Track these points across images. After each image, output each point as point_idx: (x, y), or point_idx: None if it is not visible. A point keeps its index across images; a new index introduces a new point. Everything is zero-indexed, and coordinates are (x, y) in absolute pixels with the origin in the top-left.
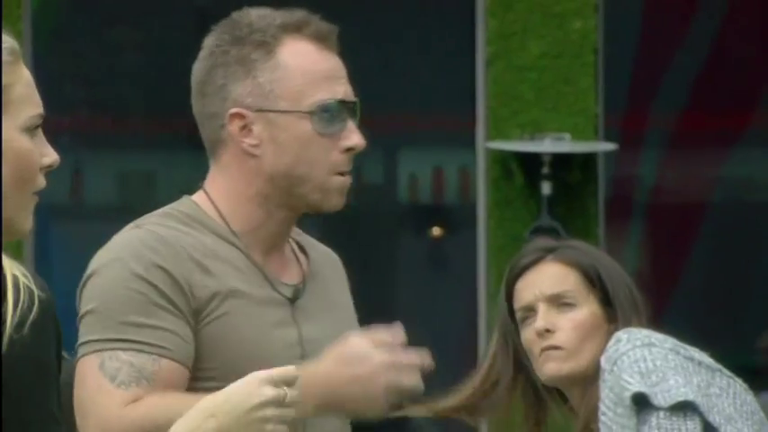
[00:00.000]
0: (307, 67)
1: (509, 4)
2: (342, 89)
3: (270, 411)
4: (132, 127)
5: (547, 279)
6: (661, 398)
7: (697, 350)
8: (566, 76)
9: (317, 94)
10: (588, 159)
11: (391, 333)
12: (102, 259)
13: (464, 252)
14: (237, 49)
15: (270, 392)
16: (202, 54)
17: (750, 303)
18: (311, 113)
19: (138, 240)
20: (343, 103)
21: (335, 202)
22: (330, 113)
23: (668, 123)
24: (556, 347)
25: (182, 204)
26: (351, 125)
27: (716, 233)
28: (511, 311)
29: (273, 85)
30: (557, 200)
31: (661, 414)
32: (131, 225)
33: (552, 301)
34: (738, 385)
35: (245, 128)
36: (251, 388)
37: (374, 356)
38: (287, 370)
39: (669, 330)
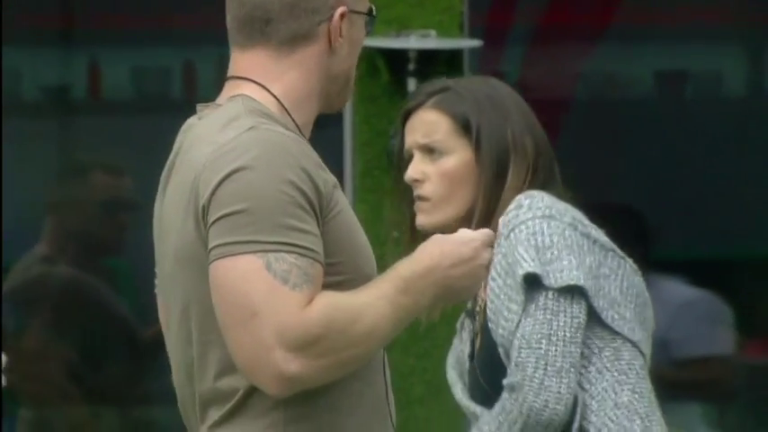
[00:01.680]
0: None
1: None
2: None
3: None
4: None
5: (421, 126)
6: (552, 278)
7: (594, 227)
8: None
9: (365, 3)
10: (454, 56)
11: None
12: (241, 157)
13: (331, 148)
14: None
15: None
16: None
17: (611, 199)
18: (369, 18)
19: (275, 142)
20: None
21: (345, 105)
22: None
23: (532, 20)
24: (423, 198)
25: (251, 102)
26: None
27: (579, 128)
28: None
29: None
30: None
31: (549, 294)
32: (241, 127)
33: (424, 150)
34: (628, 266)
35: (342, 26)
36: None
37: (473, 239)
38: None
39: None
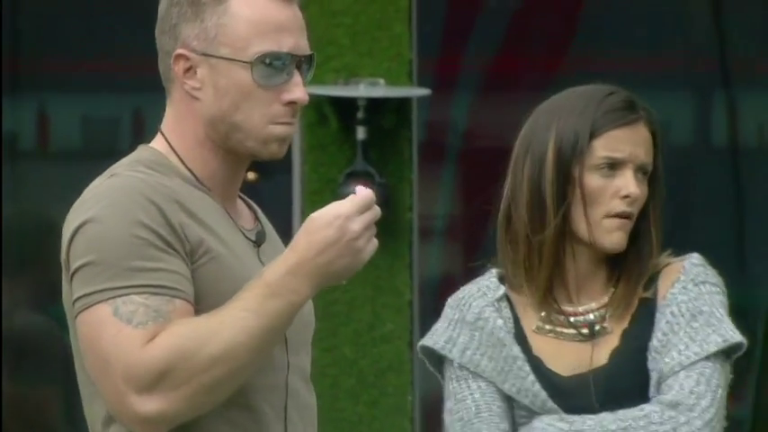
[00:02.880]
0: (255, 16)
1: None
2: (291, 41)
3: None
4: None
5: (644, 143)
6: (736, 336)
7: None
8: (380, 21)
9: (260, 45)
10: (402, 104)
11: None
12: (91, 209)
13: (280, 196)
14: None
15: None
16: None
17: None
18: (252, 63)
19: (127, 186)
20: (290, 55)
21: (274, 151)
22: (272, 65)
23: (480, 68)
24: (630, 217)
25: (144, 152)
26: (296, 78)
27: None
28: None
29: (219, 30)
30: (371, 144)
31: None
32: (106, 175)
33: (638, 169)
34: None
35: (190, 69)
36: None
37: (337, 216)
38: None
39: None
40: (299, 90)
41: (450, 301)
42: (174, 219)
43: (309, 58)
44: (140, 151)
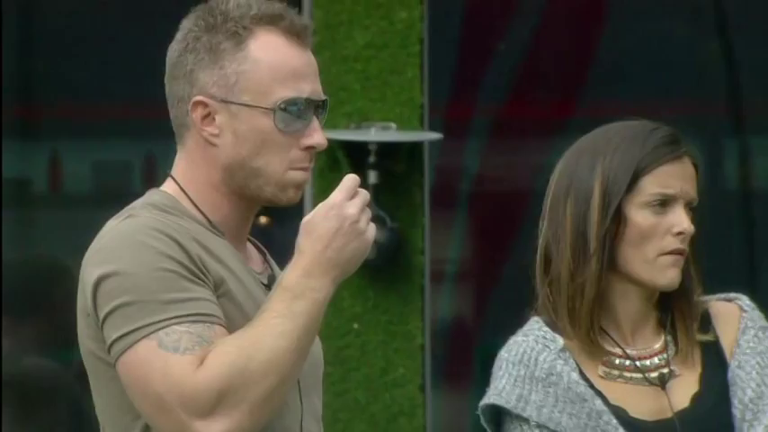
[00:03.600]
0: (274, 62)
1: None
2: (309, 87)
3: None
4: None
5: (691, 179)
6: None
7: None
8: (391, 66)
9: (281, 91)
10: (414, 149)
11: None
12: (113, 252)
13: (291, 241)
14: (209, 37)
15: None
16: (178, 36)
17: None
18: (273, 110)
19: (145, 225)
20: (309, 101)
21: (291, 196)
22: (293, 111)
23: (492, 113)
24: (683, 253)
25: (155, 196)
26: (314, 123)
27: (537, 221)
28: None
29: (239, 77)
30: (383, 189)
31: None
32: (122, 216)
33: (687, 205)
34: None
35: (208, 116)
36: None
37: (331, 207)
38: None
39: (493, 318)
40: (318, 135)
41: (508, 356)
42: (195, 253)
43: (324, 103)
44: (151, 194)
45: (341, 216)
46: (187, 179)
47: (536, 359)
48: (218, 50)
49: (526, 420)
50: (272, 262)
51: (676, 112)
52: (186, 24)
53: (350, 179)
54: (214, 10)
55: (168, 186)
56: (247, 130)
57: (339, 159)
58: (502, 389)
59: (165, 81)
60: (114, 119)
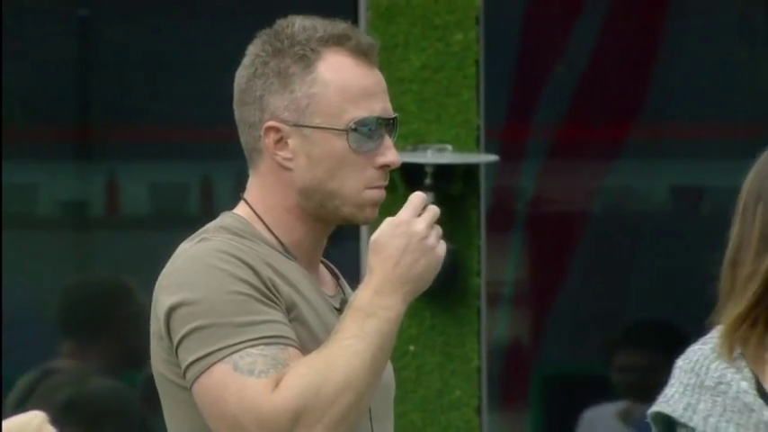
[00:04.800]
0: (344, 83)
1: (391, 18)
2: (380, 105)
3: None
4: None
5: None
6: None
7: None
8: (447, 88)
9: (353, 112)
10: (470, 171)
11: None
12: (186, 276)
13: (348, 263)
14: (277, 62)
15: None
16: (245, 62)
17: (626, 315)
18: (347, 131)
19: (218, 249)
20: (380, 119)
21: (368, 215)
22: (365, 131)
23: (548, 135)
24: None
25: (228, 219)
26: (387, 141)
27: (595, 244)
28: None
29: (310, 99)
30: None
31: None
32: (195, 239)
33: None
34: None
35: (281, 141)
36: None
37: (398, 224)
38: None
39: (550, 340)
40: (391, 153)
41: (683, 364)
42: (266, 276)
43: (394, 120)
44: (224, 217)
45: (408, 233)
46: (260, 203)
47: (707, 368)
48: (288, 74)
49: (693, 430)
50: (345, 285)
51: (733, 134)
52: (253, 50)
53: (416, 196)
54: (280, 34)
55: (241, 210)
56: (321, 153)
57: (395, 181)
58: (671, 397)
59: (234, 107)
60: (171, 141)
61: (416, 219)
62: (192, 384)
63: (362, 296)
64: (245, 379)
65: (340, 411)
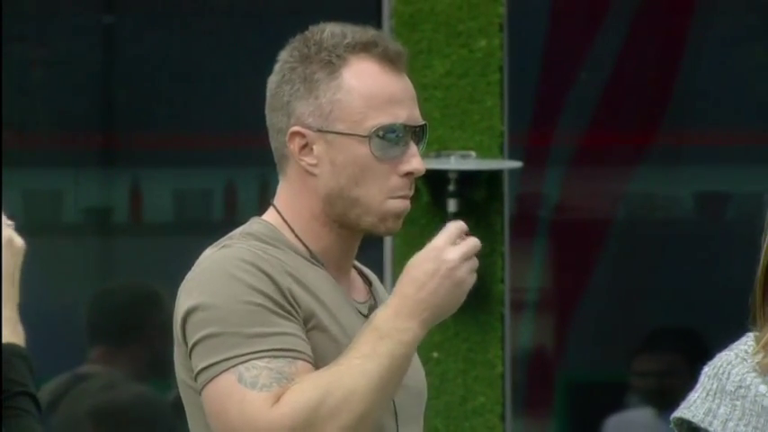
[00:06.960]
0: (369, 89)
1: (414, 25)
2: (405, 112)
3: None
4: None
5: None
6: None
7: None
8: (471, 94)
9: (376, 118)
10: (494, 177)
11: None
12: (204, 282)
13: (371, 270)
14: (304, 67)
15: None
16: (276, 67)
17: (650, 321)
18: (369, 137)
19: (238, 257)
20: (406, 126)
21: (391, 226)
22: (390, 138)
23: (572, 141)
24: None
25: (255, 225)
26: (412, 149)
27: (619, 250)
28: None
29: (334, 105)
30: (462, 217)
31: None
32: (218, 246)
33: None
34: None
35: (306, 146)
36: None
37: (431, 249)
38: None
39: (573, 346)
40: (415, 161)
41: (707, 369)
42: (285, 287)
43: (422, 128)
44: (252, 224)
45: (438, 259)
46: (289, 209)
47: (729, 372)
48: (313, 80)
49: None
50: (379, 291)
51: (758, 140)
52: (283, 56)
53: (454, 225)
54: (309, 40)
55: (270, 216)
56: (344, 159)
57: (419, 188)
58: (693, 402)
59: (266, 112)
60: (195, 148)
61: (451, 247)
62: (201, 391)
63: (382, 315)
64: (248, 392)
65: (338, 428)
